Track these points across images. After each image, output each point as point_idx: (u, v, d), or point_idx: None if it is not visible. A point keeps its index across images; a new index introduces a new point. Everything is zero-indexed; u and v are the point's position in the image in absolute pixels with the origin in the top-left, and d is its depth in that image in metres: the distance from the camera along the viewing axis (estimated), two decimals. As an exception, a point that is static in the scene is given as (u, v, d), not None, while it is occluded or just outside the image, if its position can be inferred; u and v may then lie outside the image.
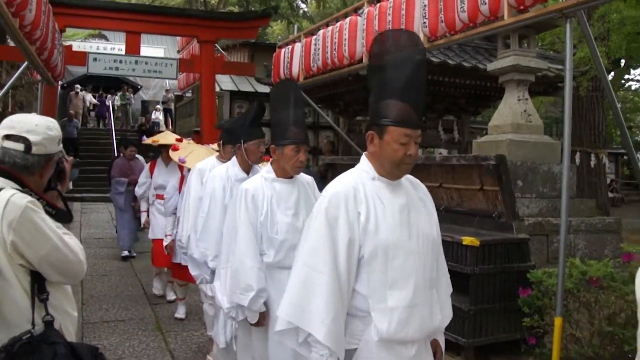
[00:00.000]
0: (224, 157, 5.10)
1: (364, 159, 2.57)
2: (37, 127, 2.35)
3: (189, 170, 5.89)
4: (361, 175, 2.51)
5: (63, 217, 2.45)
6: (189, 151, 6.53)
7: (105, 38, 30.01)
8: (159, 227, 7.41)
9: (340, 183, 2.50)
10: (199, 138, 10.66)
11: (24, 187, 2.29)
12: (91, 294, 7.56)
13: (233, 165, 4.56)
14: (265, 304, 3.48)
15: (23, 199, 2.18)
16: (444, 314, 2.60)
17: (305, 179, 3.78)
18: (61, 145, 2.49)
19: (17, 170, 2.30)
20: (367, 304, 2.40)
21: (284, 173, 3.60)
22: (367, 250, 2.39)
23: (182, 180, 6.30)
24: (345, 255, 2.37)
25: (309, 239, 2.44)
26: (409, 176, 2.64)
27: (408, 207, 2.51)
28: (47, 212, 2.32)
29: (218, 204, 4.42)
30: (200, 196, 4.74)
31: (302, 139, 3.54)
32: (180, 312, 6.78)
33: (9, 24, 5.69)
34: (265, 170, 3.68)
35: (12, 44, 8.96)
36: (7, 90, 9.36)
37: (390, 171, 2.49)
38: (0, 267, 2.17)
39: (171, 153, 6.77)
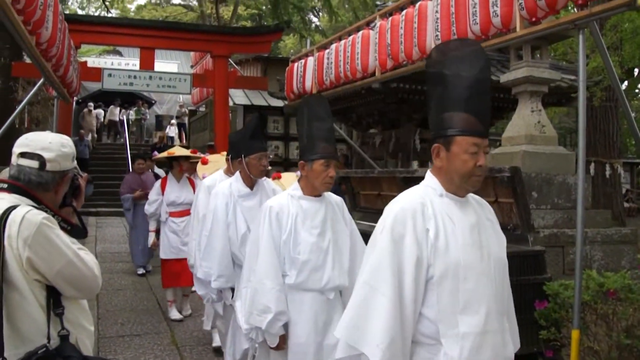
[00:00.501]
0: (231, 172, 5.02)
1: (429, 175, 2.43)
2: (51, 144, 2.38)
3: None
4: (427, 192, 2.36)
5: (78, 232, 2.48)
6: (215, 168, 6.33)
7: (120, 54, 30.32)
8: (171, 247, 7.28)
9: (407, 198, 2.35)
10: (213, 152, 10.71)
11: (40, 204, 2.32)
12: (107, 309, 7.58)
13: (236, 181, 4.49)
14: (286, 327, 3.37)
15: (38, 216, 2.21)
16: (514, 343, 2.45)
17: (335, 199, 3.65)
18: (75, 162, 2.53)
19: (33, 187, 2.34)
20: (436, 329, 2.22)
21: (312, 190, 3.47)
22: (437, 270, 2.21)
23: None
24: (413, 276, 2.20)
25: (371, 257, 2.28)
26: (474, 195, 2.49)
27: (478, 226, 2.36)
28: (62, 228, 2.34)
29: (220, 222, 4.35)
30: (204, 213, 4.70)
31: (332, 154, 3.43)
32: (185, 309, 7.26)
33: (26, 42, 5.76)
34: (292, 187, 3.55)
35: (28, 60, 9.08)
36: (24, 106, 9.46)
37: (460, 185, 2.34)
38: (16, 283, 2.19)
39: (199, 167, 6.71)
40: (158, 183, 7.65)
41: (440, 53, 2.44)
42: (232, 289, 4.37)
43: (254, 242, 3.48)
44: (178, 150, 7.61)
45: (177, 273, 7.19)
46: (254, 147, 4.36)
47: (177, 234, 7.28)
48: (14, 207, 2.21)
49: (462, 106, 2.29)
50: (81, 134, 19.04)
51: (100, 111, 25.94)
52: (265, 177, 4.64)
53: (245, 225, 4.35)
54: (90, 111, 22.62)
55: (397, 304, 2.17)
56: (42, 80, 8.15)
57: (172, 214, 7.38)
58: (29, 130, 16.32)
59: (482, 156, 2.29)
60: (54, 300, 2.27)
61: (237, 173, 4.53)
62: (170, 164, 7.61)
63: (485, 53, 2.44)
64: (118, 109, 25.73)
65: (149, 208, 7.61)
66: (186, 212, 7.20)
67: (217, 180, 5.16)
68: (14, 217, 2.18)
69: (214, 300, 4.58)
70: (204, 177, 6.01)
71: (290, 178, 6.17)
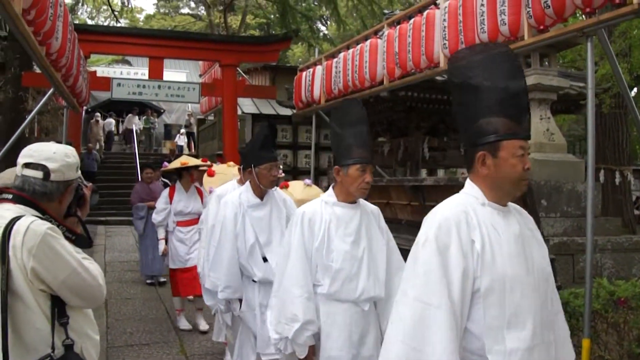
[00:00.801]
0: (243, 182, 4.98)
1: (470, 184, 2.33)
2: (55, 154, 2.41)
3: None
4: (469, 201, 2.27)
5: (83, 242, 2.49)
6: (222, 180, 6.25)
7: (129, 63, 30.49)
8: (178, 257, 7.26)
9: (449, 207, 2.25)
10: (221, 161, 10.73)
11: (44, 214, 2.34)
12: (116, 318, 7.59)
13: (246, 191, 4.43)
14: (318, 339, 3.25)
15: (42, 226, 2.22)
16: (567, 356, 2.36)
17: (370, 207, 3.51)
18: (79, 172, 2.54)
19: (37, 197, 2.36)
20: (481, 344, 2.12)
21: (347, 197, 3.36)
22: (483, 282, 2.11)
23: None
24: (460, 288, 2.09)
25: (418, 271, 2.14)
26: (514, 204, 2.39)
27: (522, 236, 2.25)
28: (67, 238, 2.36)
29: (229, 233, 4.29)
30: (212, 224, 4.64)
31: (368, 159, 3.31)
32: (202, 324, 7.10)
33: (36, 52, 5.80)
34: (327, 194, 3.44)
35: (38, 70, 9.14)
36: (34, 116, 9.52)
37: (509, 191, 2.26)
38: (21, 293, 2.20)
39: (205, 179, 6.62)
40: (166, 192, 7.57)
41: (465, 59, 2.37)
42: (240, 300, 4.35)
43: (285, 249, 3.39)
44: (190, 160, 7.56)
45: (185, 282, 7.18)
46: (264, 157, 4.30)
47: (184, 243, 7.26)
48: (18, 218, 2.23)
49: (500, 110, 2.22)
50: (89, 147, 18.89)
51: (111, 121, 26.05)
52: (275, 187, 4.57)
53: (254, 236, 4.30)
54: (97, 122, 22.64)
55: (452, 317, 2.07)
56: (51, 90, 8.20)
57: (179, 224, 7.35)
58: (38, 139, 16.40)
59: (527, 159, 2.23)
60: (58, 309, 2.28)
61: (247, 183, 4.48)
62: (179, 173, 7.50)
63: (514, 53, 2.38)
64: (137, 117, 25.83)
65: (156, 217, 7.50)
66: (193, 222, 7.25)
67: (229, 191, 5.11)
68: (19, 228, 2.19)
69: (222, 311, 4.54)
70: (210, 191, 5.92)
71: (298, 187, 6.15)
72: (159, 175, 10.02)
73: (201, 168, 7.48)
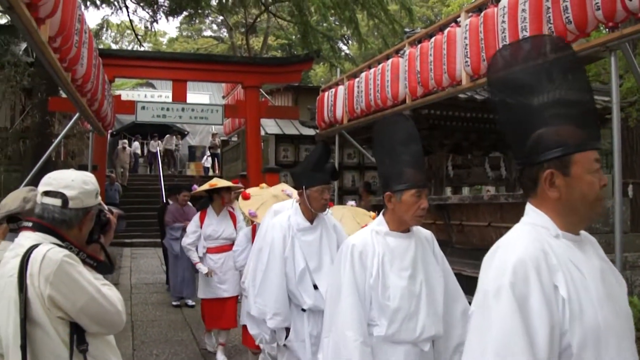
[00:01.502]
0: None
1: (534, 211, 1.92)
2: (73, 182, 2.42)
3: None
4: (540, 233, 1.84)
5: (104, 268, 2.50)
6: (260, 202, 5.94)
7: (153, 86, 30.86)
8: (209, 287, 6.92)
9: (522, 246, 1.79)
10: (245, 182, 10.77)
11: (64, 241, 2.35)
12: (142, 340, 7.60)
13: (295, 214, 4.16)
14: None
15: (59, 253, 2.24)
16: None
17: (423, 233, 3.16)
18: (99, 198, 2.55)
19: (57, 225, 2.37)
20: None
21: (400, 225, 3.00)
22: (574, 338, 1.71)
23: (255, 229, 5.66)
24: (546, 348, 1.68)
25: (493, 332, 1.71)
26: (582, 231, 1.95)
27: (602, 272, 1.86)
28: (88, 264, 2.38)
29: (277, 257, 4.03)
30: (259, 247, 4.31)
31: (424, 182, 2.97)
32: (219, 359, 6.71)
33: (62, 78, 5.89)
34: (375, 222, 3.09)
35: (64, 95, 9.28)
36: (60, 140, 9.66)
37: (584, 217, 1.88)
38: (39, 320, 2.21)
39: (241, 202, 6.06)
40: (197, 216, 7.26)
41: (509, 62, 1.98)
42: (287, 329, 4.06)
43: (335, 285, 2.99)
44: (219, 182, 7.25)
45: (218, 314, 6.87)
46: (316, 178, 4.05)
47: (214, 271, 6.92)
48: (36, 246, 2.25)
49: (562, 117, 1.84)
50: (112, 178, 18.54)
51: (137, 144, 26.30)
52: (327, 211, 4.26)
53: (304, 261, 4.05)
54: (124, 148, 22.71)
55: None
56: (77, 115, 8.33)
57: (209, 250, 7.03)
58: (65, 162, 16.67)
59: (602, 173, 1.84)
60: (77, 336, 2.28)
61: (297, 205, 4.23)
62: (210, 196, 7.20)
63: (569, 45, 2.04)
64: (174, 138, 26.05)
65: (186, 240, 7.19)
66: (225, 248, 6.92)
67: (287, 209, 4.71)
68: (36, 256, 2.21)
69: (267, 341, 4.20)
70: (250, 214, 5.62)
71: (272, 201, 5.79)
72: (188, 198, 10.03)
73: (233, 190, 7.26)
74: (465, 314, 2.92)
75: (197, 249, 7.13)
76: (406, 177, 2.93)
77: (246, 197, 5.98)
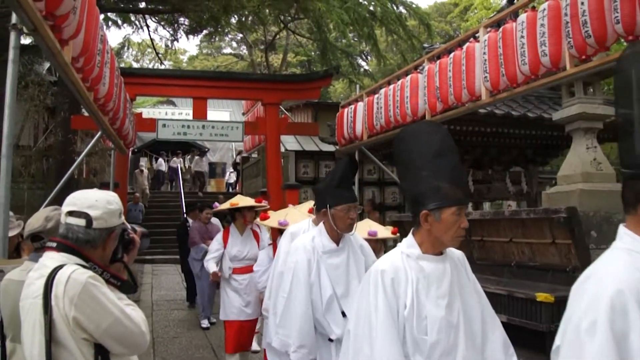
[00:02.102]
0: (317, 223, 4.43)
1: (630, 234, 1.72)
2: (97, 202, 2.44)
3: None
4: (637, 260, 1.64)
5: (128, 288, 2.51)
6: (285, 213, 5.92)
7: (173, 104, 31.13)
8: (232, 308, 6.64)
9: (617, 273, 1.61)
10: (265, 198, 10.79)
11: (88, 261, 2.37)
12: (163, 357, 7.63)
13: (320, 235, 3.86)
14: None
15: (83, 275, 2.25)
16: None
17: (456, 254, 2.81)
18: (123, 218, 2.57)
19: (81, 245, 2.39)
20: None
21: (435, 247, 2.64)
22: None
23: (276, 248, 5.41)
24: None
25: None
26: None
27: None
28: (112, 284, 2.39)
29: (302, 282, 3.72)
30: (281, 270, 4.07)
31: (464, 198, 2.66)
32: None
33: (84, 98, 5.97)
34: (405, 244, 2.71)
35: (86, 114, 9.39)
36: (83, 158, 9.78)
37: None
38: (64, 342, 2.23)
39: (261, 222, 6.06)
40: (220, 235, 7.05)
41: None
42: None
43: (363, 317, 2.59)
44: (242, 200, 6.96)
45: (241, 337, 6.66)
46: (342, 196, 3.75)
47: (238, 293, 6.65)
48: (60, 267, 2.27)
49: None
50: (136, 198, 18.58)
51: (161, 161, 26.44)
52: (353, 231, 3.93)
53: (331, 287, 3.74)
54: (142, 171, 22.76)
55: None
56: (99, 133, 8.42)
57: (235, 271, 6.75)
58: (87, 180, 16.85)
59: None
60: (102, 357, 2.30)
61: (321, 225, 3.93)
62: (232, 214, 6.99)
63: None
64: (204, 159, 26.13)
65: (207, 258, 6.94)
66: (250, 269, 6.52)
67: (302, 230, 4.65)
68: (60, 277, 2.23)
69: None
70: (281, 223, 5.47)
71: (297, 214, 5.75)
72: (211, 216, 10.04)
73: (257, 210, 6.91)
74: (507, 346, 2.69)
75: (222, 271, 6.85)
76: (445, 193, 2.58)
77: (265, 217, 5.93)
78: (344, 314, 3.69)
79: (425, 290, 2.55)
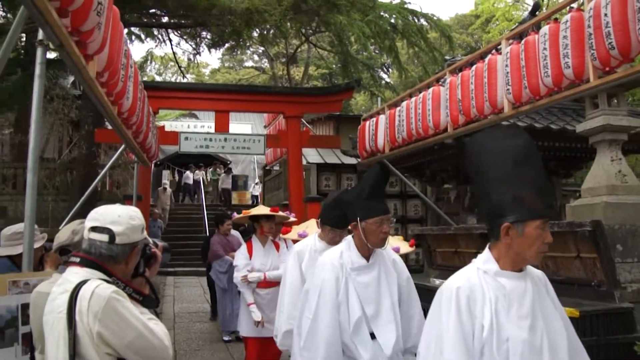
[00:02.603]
0: (325, 237, 4.36)
1: None
2: (120, 217, 2.45)
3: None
4: None
5: (150, 302, 2.52)
6: (305, 225, 5.76)
7: (196, 116, 31.37)
8: (252, 324, 6.22)
9: None
10: (287, 211, 10.79)
11: (111, 276, 2.38)
12: (185, 370, 7.64)
13: (349, 249, 3.57)
14: None
15: (107, 290, 2.27)
16: None
17: (536, 273, 2.56)
18: (145, 233, 2.58)
19: (104, 260, 2.40)
20: None
21: (515, 263, 2.43)
22: None
23: None
24: None
25: None
26: None
27: None
28: (134, 299, 2.40)
29: (328, 303, 3.43)
30: (307, 288, 3.73)
31: (549, 211, 2.43)
32: None
33: (108, 112, 6.03)
34: (481, 259, 2.51)
35: (110, 127, 9.49)
36: (106, 170, 9.88)
37: None
38: (88, 357, 2.24)
39: (283, 236, 5.87)
40: (244, 247, 6.65)
41: None
42: None
43: (434, 338, 2.41)
44: (255, 210, 6.74)
45: (264, 356, 6.25)
46: (374, 208, 3.48)
47: (261, 308, 6.25)
48: (84, 282, 2.29)
49: None
50: (155, 214, 18.10)
51: (189, 174, 26.58)
52: (385, 246, 3.62)
53: (360, 308, 3.44)
54: (164, 189, 22.64)
55: None
56: (123, 147, 8.51)
57: (258, 285, 6.36)
58: (110, 193, 17.01)
59: None
60: None
61: (349, 240, 3.65)
62: (253, 226, 6.70)
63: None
64: (230, 177, 26.25)
65: (237, 275, 6.45)
66: (273, 283, 6.18)
67: (309, 247, 4.46)
68: (84, 292, 2.25)
69: None
70: (301, 235, 5.34)
71: (313, 226, 5.52)
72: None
73: (277, 221, 6.58)
74: None
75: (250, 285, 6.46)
76: (529, 205, 2.37)
77: (286, 232, 5.78)
78: (373, 336, 3.41)
79: (505, 311, 2.35)
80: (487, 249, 2.51)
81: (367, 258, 3.55)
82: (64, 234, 2.96)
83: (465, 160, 2.67)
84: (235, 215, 7.77)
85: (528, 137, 2.53)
